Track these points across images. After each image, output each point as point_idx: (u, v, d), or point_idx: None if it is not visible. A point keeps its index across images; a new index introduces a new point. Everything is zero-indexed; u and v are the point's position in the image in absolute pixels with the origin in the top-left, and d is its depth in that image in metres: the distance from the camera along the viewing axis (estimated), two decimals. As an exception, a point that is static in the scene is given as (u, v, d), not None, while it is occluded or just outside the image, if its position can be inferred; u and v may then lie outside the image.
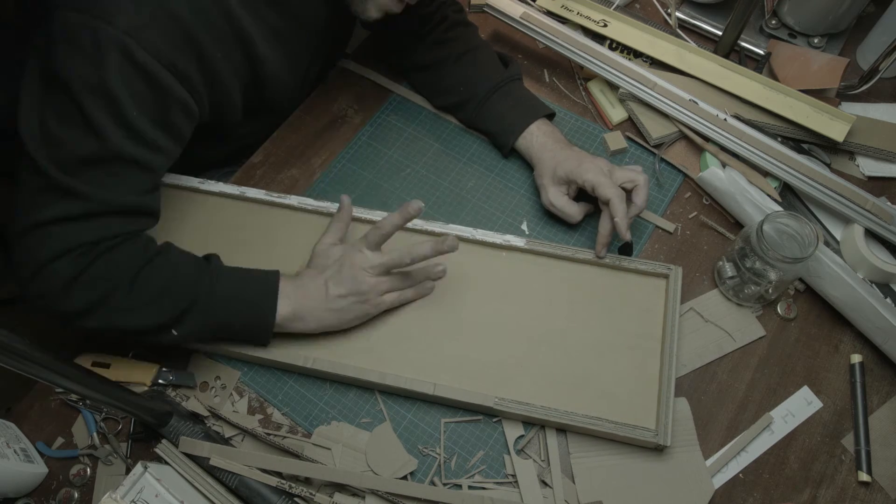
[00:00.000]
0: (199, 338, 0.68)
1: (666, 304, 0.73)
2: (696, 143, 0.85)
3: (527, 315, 0.74)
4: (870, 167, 0.85)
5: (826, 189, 0.78)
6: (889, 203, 0.78)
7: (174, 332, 0.65)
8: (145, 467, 0.59)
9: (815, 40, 0.94)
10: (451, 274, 0.76)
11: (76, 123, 0.60)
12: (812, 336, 0.75)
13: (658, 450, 0.68)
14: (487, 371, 0.71)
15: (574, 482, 0.67)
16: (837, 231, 0.80)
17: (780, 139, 0.83)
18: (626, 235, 0.73)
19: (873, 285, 0.76)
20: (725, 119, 0.83)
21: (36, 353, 0.48)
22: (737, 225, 0.81)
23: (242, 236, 0.80)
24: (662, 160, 0.86)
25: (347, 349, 0.72)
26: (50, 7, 0.59)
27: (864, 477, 0.67)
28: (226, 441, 0.69)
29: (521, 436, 0.69)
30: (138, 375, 0.72)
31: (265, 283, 0.69)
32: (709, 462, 0.68)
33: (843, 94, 0.89)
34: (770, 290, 0.73)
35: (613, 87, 0.89)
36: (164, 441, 0.65)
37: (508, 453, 0.68)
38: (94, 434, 0.70)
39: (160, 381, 0.72)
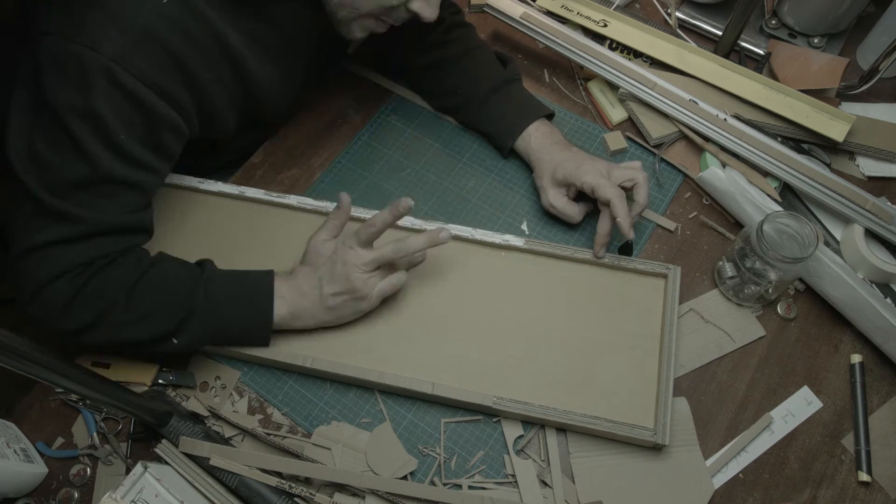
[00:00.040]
0: (199, 344, 0.69)
1: (664, 303, 0.73)
2: (696, 143, 0.85)
3: (526, 315, 0.74)
4: (870, 167, 0.85)
5: (826, 189, 0.78)
6: (889, 203, 0.78)
7: (174, 341, 0.66)
8: (145, 467, 0.59)
9: (815, 40, 0.94)
10: (450, 274, 0.76)
11: (65, 148, 0.61)
12: (812, 336, 0.75)
13: (657, 449, 0.68)
14: (486, 371, 0.71)
15: (574, 482, 0.67)
16: (837, 231, 0.80)
17: (780, 139, 0.83)
18: (630, 234, 0.73)
19: (873, 285, 0.76)
20: (725, 119, 0.83)
21: (36, 353, 0.48)
22: (737, 225, 0.81)
23: (242, 236, 0.80)
24: (662, 160, 0.86)
25: (347, 349, 0.72)
26: (37, 33, 0.60)
27: (864, 477, 0.67)
28: (226, 441, 0.69)
29: (521, 436, 0.69)
30: (138, 375, 0.72)
31: (260, 286, 0.69)
32: (709, 462, 0.68)
33: (843, 94, 0.89)
34: (770, 290, 0.73)
35: (613, 87, 0.89)
36: (164, 441, 0.65)
37: (508, 453, 0.68)
38: (94, 434, 0.70)
39: (160, 381, 0.72)
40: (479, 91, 0.84)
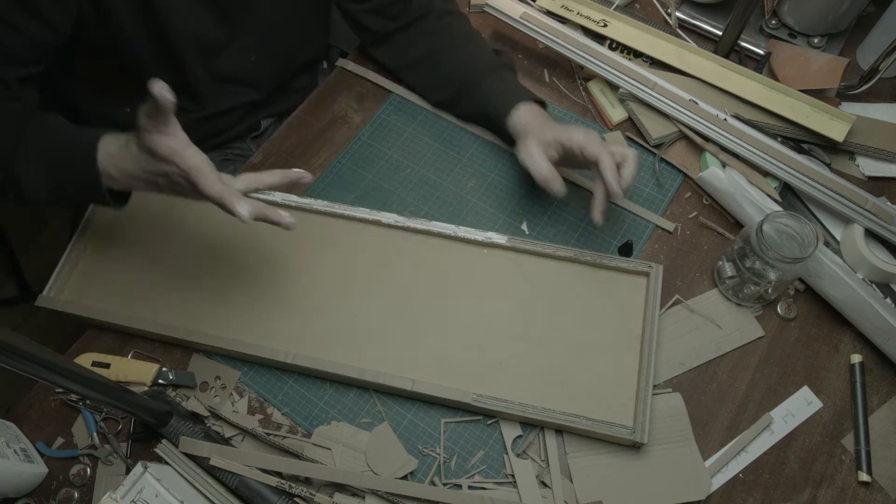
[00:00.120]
0: (38, 203, 0.67)
1: (646, 301, 0.73)
2: (696, 143, 0.85)
3: (508, 312, 0.74)
4: (870, 167, 0.85)
5: (826, 189, 0.78)
6: (889, 203, 0.78)
7: (10, 196, 0.66)
8: (145, 467, 0.59)
9: (815, 40, 0.94)
10: (433, 271, 0.77)
11: None
12: (812, 336, 0.75)
13: (636, 447, 0.68)
14: (467, 368, 0.71)
15: (573, 482, 0.67)
16: (837, 231, 0.80)
17: (780, 139, 0.83)
18: (619, 193, 0.69)
19: (873, 285, 0.76)
20: (725, 119, 0.83)
21: (36, 353, 0.48)
22: (737, 225, 0.81)
23: (231, 234, 0.80)
24: (662, 160, 0.86)
25: (329, 345, 0.73)
26: None
27: (864, 477, 0.67)
28: (226, 441, 0.69)
29: (520, 436, 0.69)
30: (138, 375, 0.72)
31: (82, 158, 0.64)
32: (709, 462, 0.68)
33: (843, 94, 0.89)
34: (770, 290, 0.73)
35: (613, 87, 0.89)
36: (164, 441, 0.65)
37: (507, 453, 0.68)
38: (94, 434, 0.70)
39: (160, 381, 0.72)
40: (475, 74, 0.84)
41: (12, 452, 0.66)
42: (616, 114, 0.89)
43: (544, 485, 0.67)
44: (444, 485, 0.67)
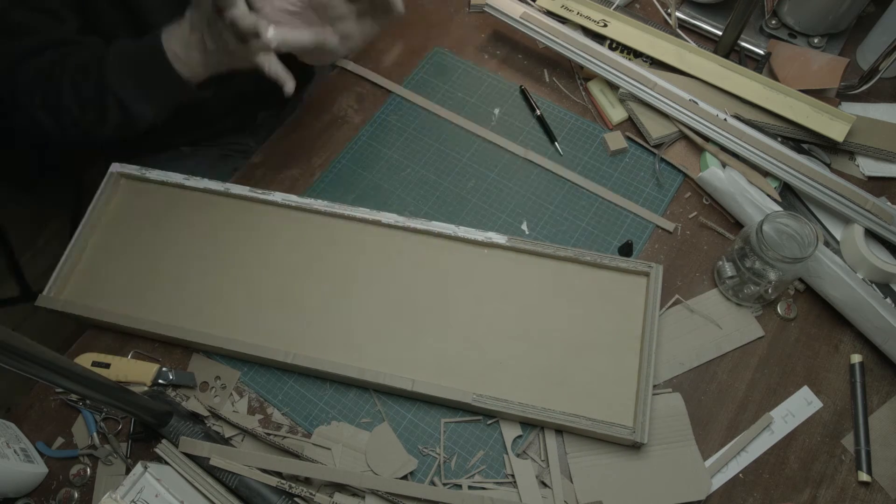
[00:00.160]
0: (142, 114, 0.73)
1: (646, 301, 0.73)
2: (696, 143, 0.85)
3: (508, 312, 0.74)
4: (870, 167, 0.85)
5: (826, 189, 0.78)
6: (889, 203, 0.78)
7: (114, 120, 0.73)
8: (145, 467, 0.59)
9: (815, 40, 0.94)
10: (433, 271, 0.77)
11: None
12: (812, 336, 0.75)
13: (636, 447, 0.68)
14: (467, 368, 0.71)
15: (572, 482, 0.67)
16: (837, 231, 0.80)
17: (780, 139, 0.83)
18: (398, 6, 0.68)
19: (873, 285, 0.76)
20: (725, 119, 0.83)
21: (36, 353, 0.48)
22: (737, 225, 0.81)
23: (232, 235, 0.80)
24: (662, 160, 0.86)
25: (329, 345, 0.73)
26: None
27: (864, 477, 0.67)
28: (226, 441, 0.69)
29: (520, 436, 0.69)
30: (138, 375, 0.72)
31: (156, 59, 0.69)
32: (709, 462, 0.68)
33: (843, 94, 0.89)
34: (770, 290, 0.73)
35: (613, 87, 0.89)
36: (164, 441, 0.65)
37: (507, 453, 0.68)
38: (94, 434, 0.70)
39: (160, 381, 0.72)
40: None
41: (12, 452, 0.66)
42: (616, 114, 0.89)
43: (544, 485, 0.67)
44: (444, 485, 0.67)
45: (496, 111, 0.91)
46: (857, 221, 0.77)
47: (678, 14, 0.98)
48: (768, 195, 0.79)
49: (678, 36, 0.94)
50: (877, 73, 0.85)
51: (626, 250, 0.78)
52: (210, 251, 0.79)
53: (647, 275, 0.75)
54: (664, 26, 0.95)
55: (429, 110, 0.91)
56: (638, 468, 0.67)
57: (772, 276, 0.70)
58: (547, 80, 0.94)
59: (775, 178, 0.81)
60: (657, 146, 0.87)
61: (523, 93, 0.92)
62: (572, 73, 0.95)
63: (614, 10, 0.93)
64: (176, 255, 0.79)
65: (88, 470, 0.70)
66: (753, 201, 0.77)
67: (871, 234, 0.77)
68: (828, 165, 0.84)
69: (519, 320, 0.74)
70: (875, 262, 0.74)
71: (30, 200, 1.70)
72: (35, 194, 1.70)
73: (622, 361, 0.71)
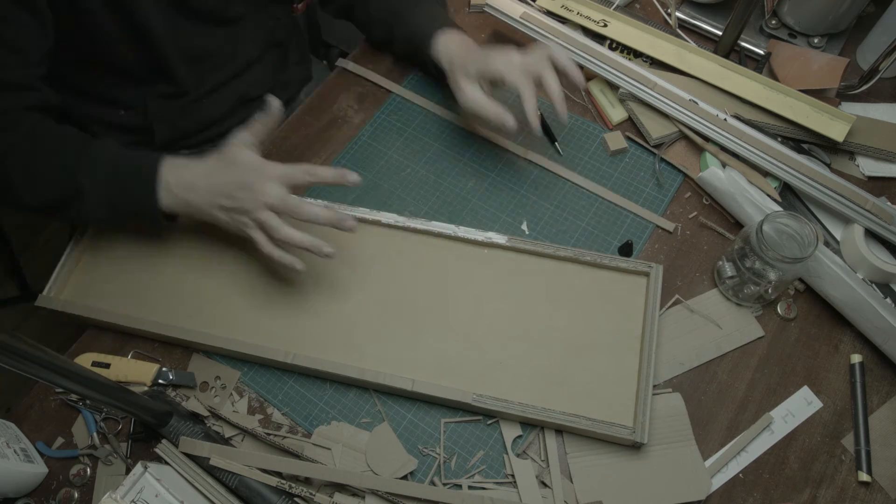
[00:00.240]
0: (93, 221, 0.72)
1: (646, 301, 0.73)
2: (696, 143, 0.85)
3: (508, 312, 0.74)
4: (870, 167, 0.85)
5: (826, 189, 0.78)
6: (889, 203, 0.78)
7: (72, 213, 0.69)
8: (145, 467, 0.59)
9: (815, 40, 0.94)
10: (433, 271, 0.77)
11: None
12: (812, 336, 0.75)
13: (636, 447, 0.68)
14: (467, 368, 0.71)
15: (572, 482, 0.67)
16: (837, 231, 0.80)
17: (780, 139, 0.83)
18: (534, 123, 0.74)
19: (873, 285, 0.76)
20: (725, 119, 0.83)
21: (36, 353, 0.48)
22: (737, 225, 0.81)
23: (233, 237, 0.79)
24: (662, 160, 0.86)
25: (329, 345, 0.73)
26: None
27: (864, 477, 0.67)
28: (226, 441, 0.69)
29: (520, 436, 0.69)
30: (138, 375, 0.72)
31: (144, 174, 0.68)
32: (709, 462, 0.68)
33: (843, 94, 0.89)
34: (770, 290, 0.73)
35: (613, 87, 0.89)
36: (164, 441, 0.65)
37: (507, 453, 0.68)
38: (94, 434, 0.70)
39: (160, 381, 0.72)
40: (405, 7, 0.86)
41: (12, 452, 0.66)
42: (616, 114, 0.89)
43: (544, 485, 0.67)
44: (444, 485, 0.67)
45: (496, 111, 0.91)
46: (857, 221, 0.77)
47: (678, 14, 0.98)
48: (768, 195, 0.79)
49: (678, 36, 0.94)
50: (877, 73, 0.85)
51: (626, 250, 0.78)
52: (210, 251, 0.79)
53: (647, 275, 0.75)
54: (664, 26, 0.95)
55: (429, 110, 0.91)
56: (638, 468, 0.67)
57: (772, 276, 0.70)
58: (547, 80, 0.94)
59: (775, 178, 0.81)
60: (657, 146, 0.87)
61: (523, 93, 0.92)
62: (572, 73, 0.94)
63: (614, 10, 0.93)
64: (176, 255, 0.79)
65: (88, 470, 0.69)
66: (753, 201, 0.77)
67: (871, 234, 0.77)
68: (828, 165, 0.84)
69: (519, 320, 0.74)
70: (875, 262, 0.74)
71: (30, 200, 1.69)
72: (35, 194, 1.69)
73: (622, 361, 0.71)
